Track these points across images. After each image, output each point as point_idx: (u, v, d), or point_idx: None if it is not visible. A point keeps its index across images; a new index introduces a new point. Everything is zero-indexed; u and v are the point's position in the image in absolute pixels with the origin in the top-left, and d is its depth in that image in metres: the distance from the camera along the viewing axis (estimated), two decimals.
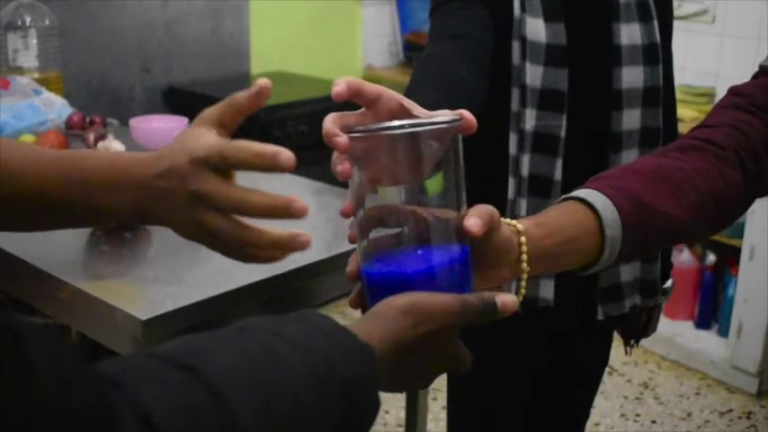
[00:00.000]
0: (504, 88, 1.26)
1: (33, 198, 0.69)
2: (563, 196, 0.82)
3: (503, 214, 1.28)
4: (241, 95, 0.69)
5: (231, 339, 0.57)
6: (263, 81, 0.69)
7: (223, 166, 0.65)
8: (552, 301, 1.28)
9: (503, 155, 1.28)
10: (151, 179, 0.67)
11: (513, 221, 0.75)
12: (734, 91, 0.97)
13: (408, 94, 1.04)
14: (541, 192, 1.27)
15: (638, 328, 1.46)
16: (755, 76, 0.98)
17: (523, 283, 0.74)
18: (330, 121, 0.70)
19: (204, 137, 0.67)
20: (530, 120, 1.24)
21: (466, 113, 0.71)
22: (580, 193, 0.80)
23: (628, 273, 1.33)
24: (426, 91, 1.05)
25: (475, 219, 0.68)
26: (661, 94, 1.29)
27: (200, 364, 0.51)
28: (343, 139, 0.67)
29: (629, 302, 1.34)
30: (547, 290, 1.29)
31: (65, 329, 1.97)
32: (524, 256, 0.73)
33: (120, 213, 0.70)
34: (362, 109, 0.75)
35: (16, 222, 0.77)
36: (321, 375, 0.56)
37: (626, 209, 0.78)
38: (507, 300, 0.68)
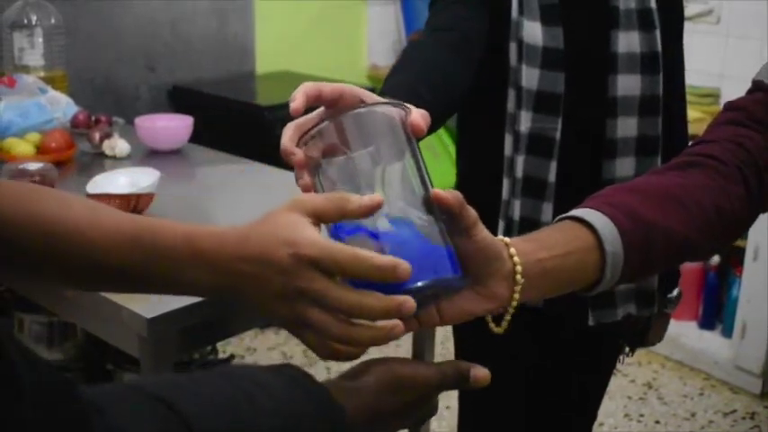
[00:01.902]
0: (501, 89, 1.26)
1: (104, 267, 0.67)
2: (557, 218, 0.80)
3: (497, 215, 1.29)
4: (353, 204, 0.64)
5: (212, 382, 0.59)
6: (377, 197, 0.65)
7: (334, 272, 0.62)
8: (541, 302, 1.27)
9: (498, 155, 1.28)
10: (233, 262, 0.63)
11: (498, 237, 0.73)
12: (730, 106, 0.94)
13: (386, 79, 1.06)
14: (535, 193, 1.26)
15: (633, 337, 1.45)
16: (750, 92, 0.96)
17: (516, 296, 0.72)
18: (288, 138, 0.73)
19: (303, 229, 0.63)
20: (525, 122, 1.24)
21: (415, 115, 0.71)
22: (574, 212, 0.78)
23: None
24: (401, 76, 1.07)
25: (444, 191, 0.68)
26: (660, 104, 1.28)
27: (179, 400, 0.53)
28: (298, 156, 0.69)
29: (623, 311, 1.32)
30: None
31: (70, 327, 1.98)
32: (518, 267, 0.71)
33: (197, 289, 0.67)
34: (321, 109, 0.77)
35: (87, 285, 0.78)
36: (294, 426, 0.58)
37: (625, 224, 0.76)
38: (479, 373, 0.70)
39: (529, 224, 1.27)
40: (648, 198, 0.80)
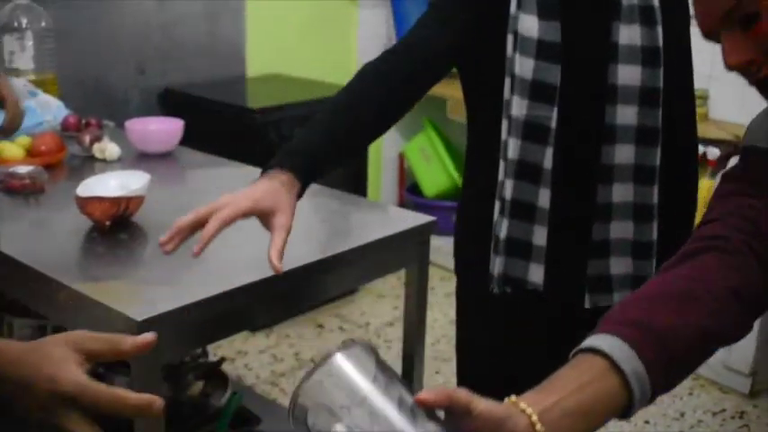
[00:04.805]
0: (501, 82, 1.29)
1: None
2: (572, 353, 0.78)
3: (492, 197, 1.31)
4: (126, 343, 0.71)
5: None
6: (150, 336, 0.71)
7: (94, 410, 0.66)
8: (541, 285, 1.32)
9: (496, 140, 1.31)
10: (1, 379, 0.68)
11: (505, 400, 0.72)
12: (727, 178, 0.94)
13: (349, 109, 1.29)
14: (531, 177, 1.29)
15: None
16: (742, 158, 0.95)
17: None
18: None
19: (67, 366, 0.67)
20: (518, 108, 1.27)
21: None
22: (583, 344, 0.77)
23: (619, 266, 1.34)
24: (368, 109, 1.30)
25: (426, 391, 0.68)
26: (661, 97, 1.30)
27: None
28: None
29: (620, 296, 1.35)
30: (536, 274, 1.32)
31: (60, 331, 1.98)
32: (534, 417, 0.70)
33: None
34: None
35: None
36: None
37: (636, 338, 0.75)
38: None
39: (523, 207, 1.30)
40: (659, 303, 0.80)
